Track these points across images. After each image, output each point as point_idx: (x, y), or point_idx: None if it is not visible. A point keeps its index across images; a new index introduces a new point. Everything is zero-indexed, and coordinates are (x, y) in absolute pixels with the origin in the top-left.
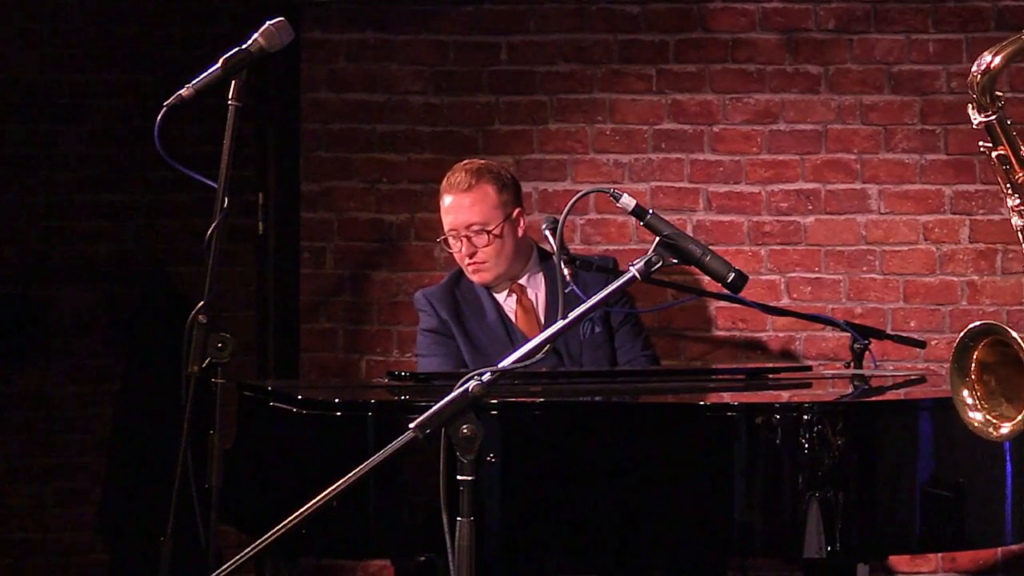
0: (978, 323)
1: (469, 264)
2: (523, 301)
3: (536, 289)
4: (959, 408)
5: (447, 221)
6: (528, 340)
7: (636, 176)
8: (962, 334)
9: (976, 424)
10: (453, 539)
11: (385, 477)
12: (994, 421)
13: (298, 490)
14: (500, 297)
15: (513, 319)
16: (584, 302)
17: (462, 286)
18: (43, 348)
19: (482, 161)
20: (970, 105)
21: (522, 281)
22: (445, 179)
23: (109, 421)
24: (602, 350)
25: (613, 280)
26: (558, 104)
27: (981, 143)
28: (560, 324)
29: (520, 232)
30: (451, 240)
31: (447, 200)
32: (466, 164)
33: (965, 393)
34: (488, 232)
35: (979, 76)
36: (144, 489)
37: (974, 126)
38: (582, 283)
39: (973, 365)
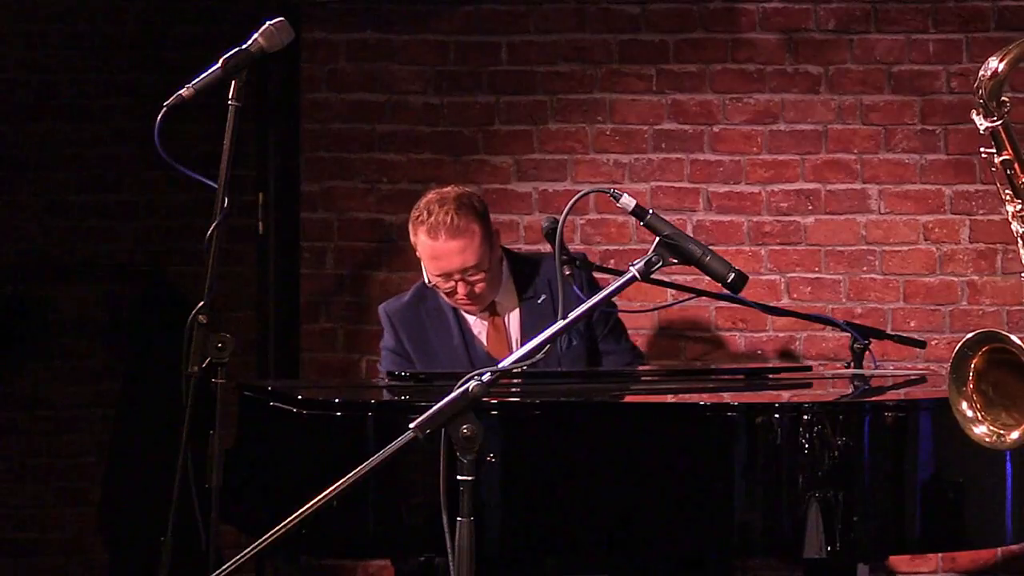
0: (975, 332)
1: (461, 300)
2: (495, 322)
3: (509, 306)
4: (962, 424)
5: (436, 266)
6: (493, 363)
7: (636, 176)
8: (961, 343)
9: (988, 440)
10: (453, 539)
11: (385, 477)
12: (999, 431)
13: (298, 490)
14: (469, 318)
15: (483, 339)
16: (582, 301)
17: (427, 303)
18: (43, 348)
19: (454, 192)
20: (975, 111)
21: (496, 299)
22: (423, 217)
23: (109, 421)
24: (580, 363)
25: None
26: (558, 104)
27: (983, 148)
28: (560, 324)
29: (498, 253)
30: (441, 282)
31: (433, 245)
32: (442, 203)
33: (964, 406)
34: (484, 269)
35: (985, 81)
36: (144, 489)
37: (981, 131)
38: (551, 290)
39: (970, 375)
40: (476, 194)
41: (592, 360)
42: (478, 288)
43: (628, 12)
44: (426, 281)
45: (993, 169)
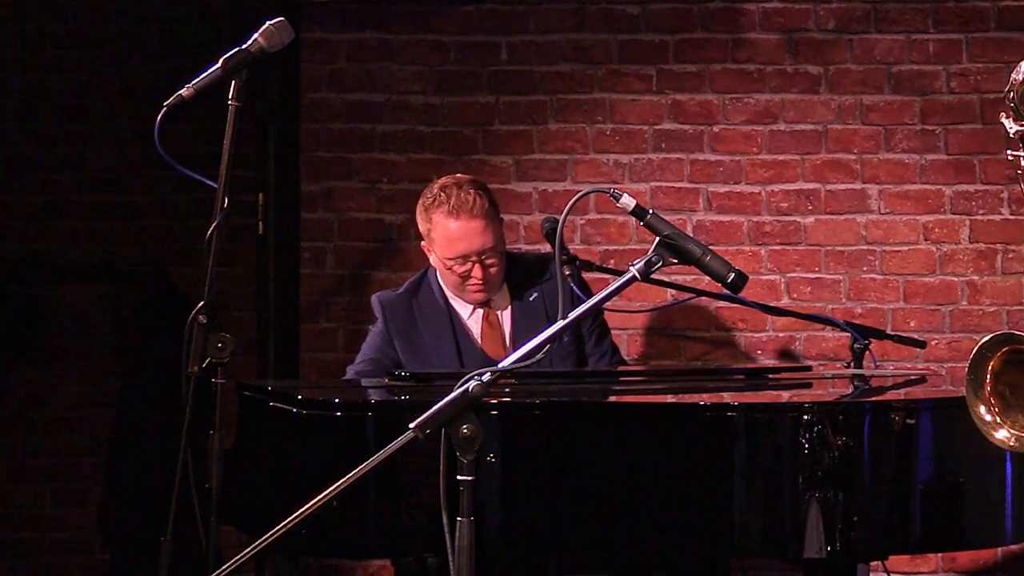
0: (994, 334)
1: (476, 284)
2: (489, 316)
3: (502, 302)
4: (981, 428)
5: (456, 247)
6: (487, 360)
7: (636, 176)
8: (979, 345)
9: (1012, 444)
10: (453, 539)
11: (385, 477)
12: (1020, 433)
13: (298, 490)
14: (463, 313)
15: (477, 336)
16: (579, 302)
17: (420, 297)
18: (43, 348)
19: (466, 177)
20: (1003, 113)
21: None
22: (440, 199)
23: (109, 421)
24: (571, 359)
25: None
26: (558, 104)
27: (1009, 152)
28: (560, 324)
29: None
30: (457, 265)
31: (456, 224)
32: (460, 184)
33: (982, 410)
34: (500, 252)
35: (1017, 85)
36: (144, 489)
37: (1010, 135)
38: (548, 293)
39: (988, 376)
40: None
41: (580, 355)
42: (493, 271)
43: (628, 12)
44: (443, 264)
45: (1019, 172)
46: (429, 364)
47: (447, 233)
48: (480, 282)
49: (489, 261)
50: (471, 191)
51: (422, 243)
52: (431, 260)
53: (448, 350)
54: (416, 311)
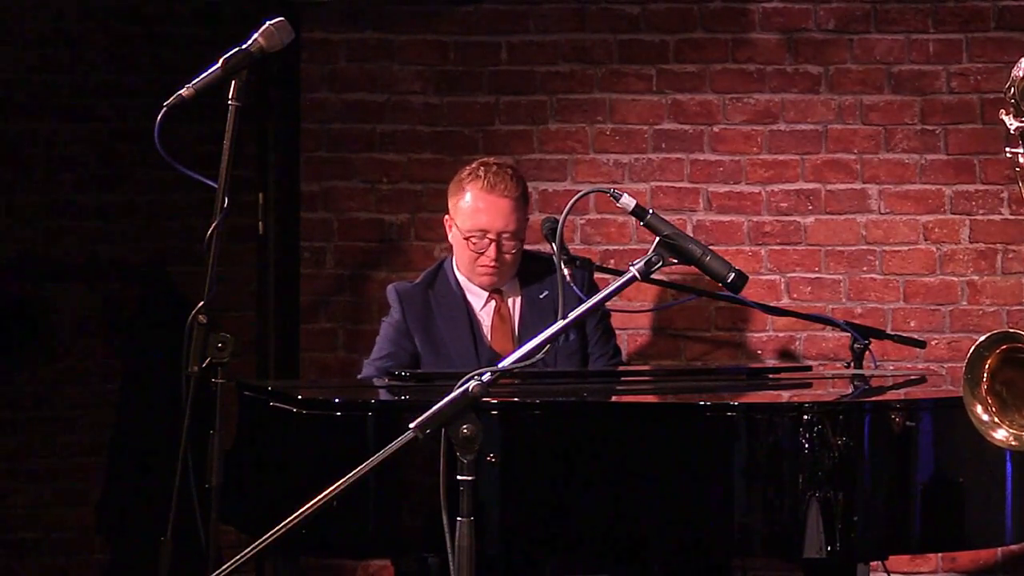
0: (992, 332)
1: (486, 266)
2: (501, 309)
3: (513, 296)
4: (980, 429)
5: (479, 220)
6: (496, 353)
7: (636, 176)
8: (976, 344)
9: (1013, 444)
10: (453, 539)
11: (385, 477)
12: (1019, 432)
13: (298, 490)
14: (476, 304)
15: (487, 328)
16: (581, 301)
17: (436, 288)
18: (43, 348)
19: (509, 163)
20: (1003, 110)
21: (503, 288)
22: (478, 173)
23: (109, 421)
24: (576, 357)
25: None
26: (558, 104)
27: (1008, 149)
28: (560, 324)
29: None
30: (475, 240)
31: (486, 198)
32: (501, 167)
33: (979, 409)
34: (519, 239)
35: (1018, 81)
36: (144, 489)
37: (1011, 131)
38: (554, 288)
39: (985, 375)
40: None
41: (585, 354)
42: (508, 257)
43: (628, 12)
44: (461, 237)
45: (1017, 169)
46: (446, 355)
47: (475, 205)
48: (492, 263)
49: (506, 244)
50: (508, 173)
51: (445, 216)
52: (450, 237)
53: (465, 341)
54: (433, 301)
